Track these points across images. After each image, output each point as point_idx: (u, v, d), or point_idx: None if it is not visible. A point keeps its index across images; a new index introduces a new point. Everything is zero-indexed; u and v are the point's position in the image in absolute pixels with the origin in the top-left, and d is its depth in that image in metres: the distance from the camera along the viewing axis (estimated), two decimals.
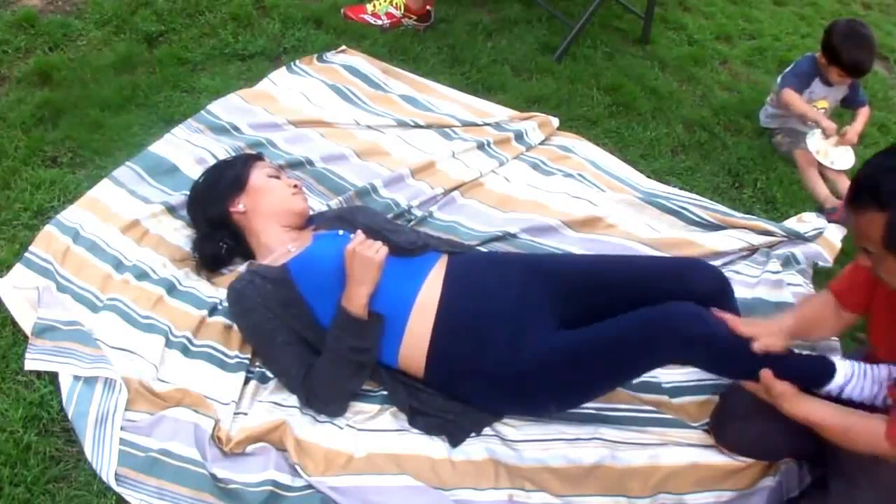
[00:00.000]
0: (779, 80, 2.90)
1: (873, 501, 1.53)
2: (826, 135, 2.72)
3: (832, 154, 2.72)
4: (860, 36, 2.72)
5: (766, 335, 1.61)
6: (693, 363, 1.72)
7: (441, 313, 1.76)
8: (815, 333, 1.82)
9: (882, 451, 1.47)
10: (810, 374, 1.62)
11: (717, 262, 2.26)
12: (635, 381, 1.89)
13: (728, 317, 1.65)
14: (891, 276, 1.46)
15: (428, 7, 3.03)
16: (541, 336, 1.73)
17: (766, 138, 2.92)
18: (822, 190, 2.67)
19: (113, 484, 1.57)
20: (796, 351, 1.71)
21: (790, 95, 2.79)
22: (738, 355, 1.61)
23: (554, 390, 1.74)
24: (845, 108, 2.95)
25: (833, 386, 1.59)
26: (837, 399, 1.60)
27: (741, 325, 1.63)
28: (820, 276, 2.32)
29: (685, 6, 3.65)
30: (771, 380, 1.57)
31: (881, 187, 1.36)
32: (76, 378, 1.71)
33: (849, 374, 1.60)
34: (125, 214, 2.09)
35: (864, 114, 2.87)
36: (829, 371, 1.60)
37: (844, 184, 2.71)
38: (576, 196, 2.42)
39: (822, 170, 2.74)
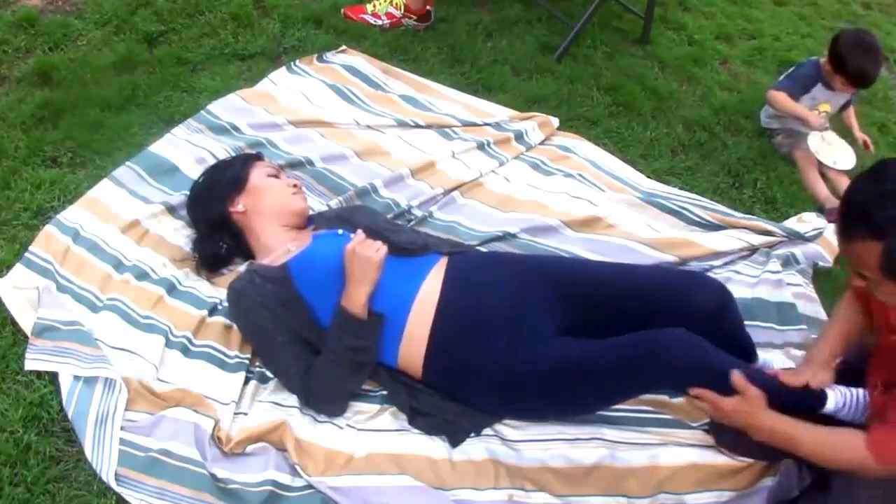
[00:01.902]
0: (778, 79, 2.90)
1: (874, 500, 1.52)
2: (811, 128, 2.71)
3: (834, 154, 2.72)
4: (867, 46, 2.73)
5: (812, 377, 1.59)
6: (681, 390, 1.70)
7: (440, 313, 1.76)
8: (856, 333, 1.75)
9: (862, 463, 1.43)
10: (801, 401, 1.59)
11: (716, 262, 2.27)
12: None
13: (777, 372, 1.64)
14: (890, 297, 1.45)
15: (428, 7, 3.03)
16: (539, 340, 1.73)
17: (766, 138, 2.92)
18: (822, 190, 2.67)
19: (113, 484, 1.57)
20: None
21: (776, 96, 2.79)
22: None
23: (551, 400, 1.74)
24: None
25: (825, 412, 1.59)
26: (821, 416, 1.58)
27: (788, 377, 1.61)
28: (820, 277, 2.32)
29: (685, 6, 3.65)
30: (745, 383, 1.52)
31: (873, 216, 1.34)
32: (76, 378, 1.71)
33: (840, 403, 1.59)
34: (125, 214, 2.09)
35: (852, 114, 2.91)
36: (820, 400, 1.59)
37: (845, 184, 2.70)
38: (576, 196, 2.41)
39: (822, 170, 2.74)
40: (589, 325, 1.75)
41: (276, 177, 2.06)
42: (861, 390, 1.60)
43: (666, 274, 2.02)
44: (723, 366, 1.59)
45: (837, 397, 1.60)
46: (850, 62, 2.69)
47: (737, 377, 1.54)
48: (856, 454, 1.44)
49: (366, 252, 1.73)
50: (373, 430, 1.76)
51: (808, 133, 2.75)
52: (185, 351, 1.84)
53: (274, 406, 1.78)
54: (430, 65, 2.90)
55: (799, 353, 2.03)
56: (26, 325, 1.81)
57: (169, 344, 1.83)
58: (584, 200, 2.40)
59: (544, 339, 1.73)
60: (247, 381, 1.82)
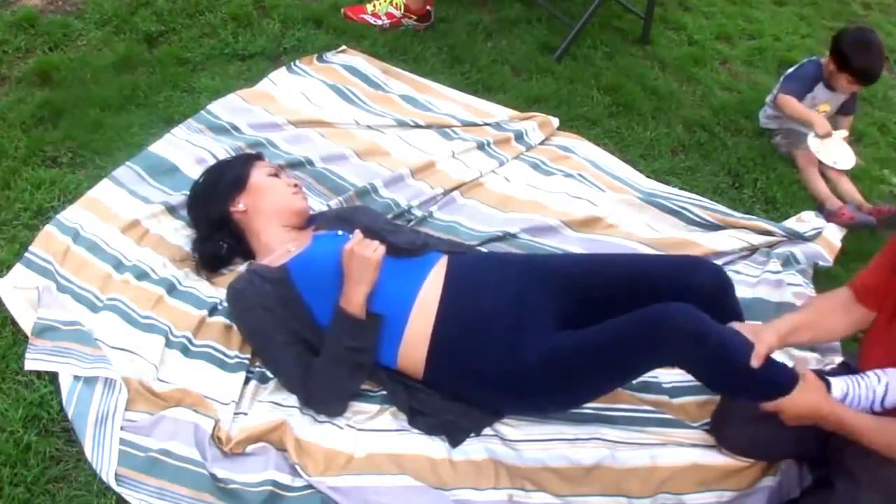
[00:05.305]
0: (780, 81, 2.90)
1: (876, 502, 1.52)
2: (819, 137, 2.72)
3: (834, 154, 2.72)
4: (870, 43, 2.73)
5: (748, 331, 1.59)
6: (689, 365, 1.65)
7: (441, 314, 1.75)
8: (823, 328, 1.77)
9: None
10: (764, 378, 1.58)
11: (717, 262, 2.26)
12: (635, 381, 1.90)
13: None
14: None
15: (428, 7, 3.03)
16: (540, 336, 1.72)
17: (766, 138, 2.92)
18: (823, 189, 2.67)
19: (113, 484, 1.57)
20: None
21: (787, 100, 2.78)
22: (733, 356, 1.56)
23: (553, 391, 1.73)
24: (837, 114, 2.95)
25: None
26: None
27: (737, 328, 1.61)
28: (820, 276, 2.32)
29: (685, 6, 3.65)
30: (811, 375, 1.56)
31: None
32: (76, 378, 1.70)
33: (845, 390, 1.60)
34: (125, 214, 2.09)
35: (846, 122, 2.90)
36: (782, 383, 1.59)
37: (846, 184, 2.71)
38: (576, 196, 2.42)
39: (822, 169, 2.75)
40: (588, 319, 1.74)
41: (277, 176, 2.06)
42: (860, 375, 1.60)
43: (664, 259, 2.02)
44: (723, 333, 1.58)
45: (842, 385, 1.60)
46: (854, 59, 2.69)
47: (808, 373, 1.59)
48: None
49: (363, 252, 1.73)
50: (373, 430, 1.76)
51: (808, 133, 2.75)
52: (185, 351, 1.84)
53: (274, 406, 1.78)
54: (430, 65, 2.90)
55: (799, 353, 2.03)
56: (26, 325, 1.81)
57: (169, 344, 1.83)
58: (585, 200, 2.40)
59: (545, 336, 1.72)
60: (247, 381, 1.82)
